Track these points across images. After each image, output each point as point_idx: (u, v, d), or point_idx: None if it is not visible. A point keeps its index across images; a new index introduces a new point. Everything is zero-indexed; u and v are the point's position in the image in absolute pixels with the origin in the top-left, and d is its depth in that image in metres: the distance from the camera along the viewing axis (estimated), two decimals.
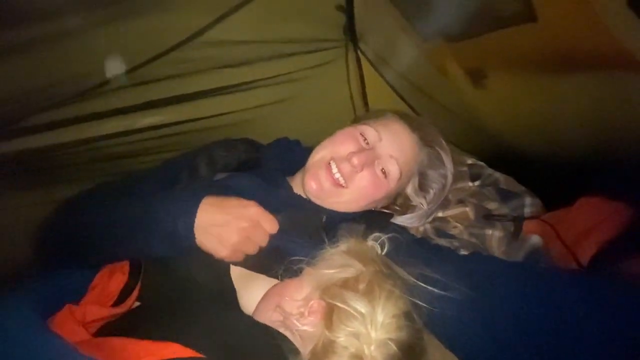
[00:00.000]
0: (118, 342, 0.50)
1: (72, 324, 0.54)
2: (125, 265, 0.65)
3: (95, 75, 0.74)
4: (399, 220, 0.81)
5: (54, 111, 0.77)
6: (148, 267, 0.65)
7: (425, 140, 0.77)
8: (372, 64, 1.10)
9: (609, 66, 0.53)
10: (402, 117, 0.79)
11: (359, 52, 1.10)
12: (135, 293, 0.62)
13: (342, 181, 0.71)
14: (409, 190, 0.79)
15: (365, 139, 0.73)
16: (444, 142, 0.80)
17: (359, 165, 0.69)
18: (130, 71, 0.77)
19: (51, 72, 0.69)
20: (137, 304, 0.63)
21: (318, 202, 0.73)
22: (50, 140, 0.80)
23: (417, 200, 0.79)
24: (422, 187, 0.79)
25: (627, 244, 0.66)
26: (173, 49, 0.77)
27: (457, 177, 0.94)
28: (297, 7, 0.88)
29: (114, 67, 0.75)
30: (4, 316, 0.44)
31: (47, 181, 0.88)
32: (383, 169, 0.72)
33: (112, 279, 0.63)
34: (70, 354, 0.41)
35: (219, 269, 0.66)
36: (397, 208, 0.82)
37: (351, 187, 0.71)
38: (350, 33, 1.05)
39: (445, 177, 0.79)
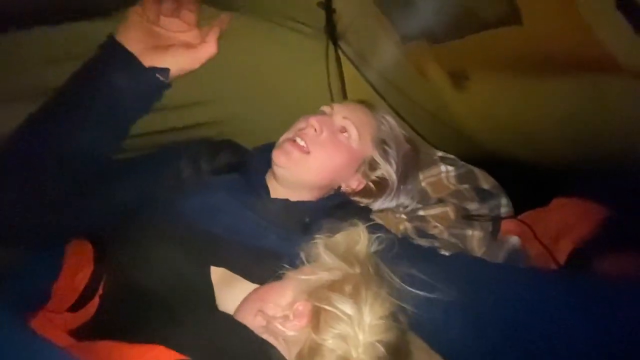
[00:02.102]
0: (103, 346, 0.48)
1: (54, 330, 0.52)
2: (89, 252, 0.62)
3: None
4: (376, 206, 0.83)
5: None
6: (116, 256, 0.62)
7: (376, 110, 0.87)
8: (352, 63, 1.09)
9: (591, 69, 0.54)
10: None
11: (339, 51, 1.09)
12: (100, 288, 0.60)
13: (305, 147, 0.74)
14: (376, 156, 0.82)
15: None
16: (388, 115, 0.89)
17: (317, 124, 0.75)
18: None
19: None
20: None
21: (287, 175, 0.74)
22: None
23: (385, 167, 0.82)
24: (386, 154, 0.83)
25: (601, 243, 0.69)
26: None
27: (428, 163, 0.98)
28: (277, 6, 0.87)
29: None
30: None
31: None
32: (341, 129, 0.78)
33: (76, 276, 0.60)
34: (59, 355, 0.38)
35: (200, 265, 0.63)
36: (372, 186, 0.82)
37: (314, 151, 0.74)
38: (331, 31, 1.03)
39: (400, 144, 0.85)
